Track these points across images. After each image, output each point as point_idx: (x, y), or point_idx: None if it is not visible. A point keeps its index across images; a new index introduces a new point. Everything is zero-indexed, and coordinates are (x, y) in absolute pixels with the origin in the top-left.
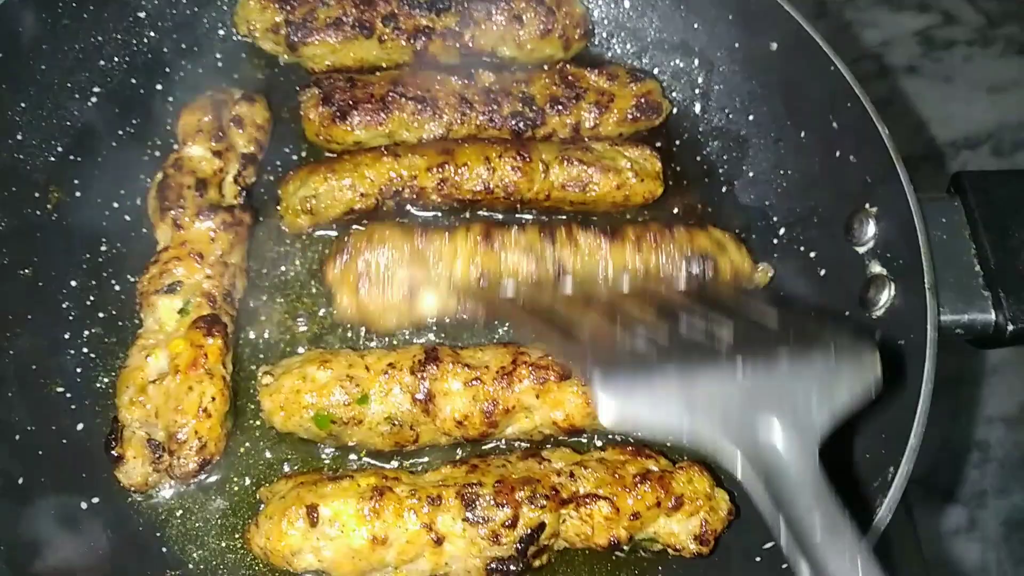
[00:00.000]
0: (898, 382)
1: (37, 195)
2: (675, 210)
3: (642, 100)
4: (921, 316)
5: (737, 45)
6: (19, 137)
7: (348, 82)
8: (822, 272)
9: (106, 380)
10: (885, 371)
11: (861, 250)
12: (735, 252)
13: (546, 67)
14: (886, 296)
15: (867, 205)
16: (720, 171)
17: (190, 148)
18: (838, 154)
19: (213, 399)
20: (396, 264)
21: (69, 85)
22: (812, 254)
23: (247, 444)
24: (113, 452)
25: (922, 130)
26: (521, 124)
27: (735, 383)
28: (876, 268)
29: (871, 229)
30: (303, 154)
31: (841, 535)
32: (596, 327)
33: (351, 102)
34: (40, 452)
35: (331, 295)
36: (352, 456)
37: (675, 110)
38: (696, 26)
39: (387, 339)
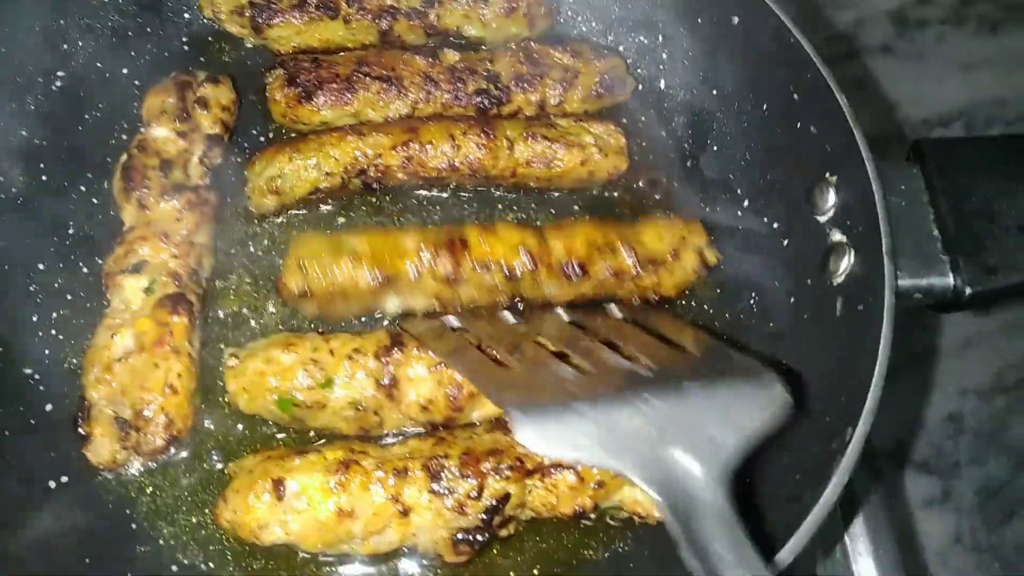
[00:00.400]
0: (859, 349)
1: (1, 179)
2: (639, 183)
3: (607, 76)
4: (880, 281)
5: (699, 20)
6: None
7: (313, 63)
8: (785, 242)
9: (74, 361)
10: (846, 337)
11: (822, 219)
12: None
13: (512, 45)
14: (846, 263)
15: (827, 174)
16: (685, 146)
17: (154, 129)
18: (799, 125)
19: (179, 376)
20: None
21: (32, 69)
22: (775, 225)
23: (216, 420)
24: (80, 430)
25: (894, 110)
26: (486, 102)
27: (647, 414)
28: (837, 236)
29: (831, 198)
30: (270, 135)
31: (745, 559)
32: (529, 358)
33: (316, 82)
34: (6, 433)
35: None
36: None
37: (640, 87)
38: (659, 2)
39: (355, 322)
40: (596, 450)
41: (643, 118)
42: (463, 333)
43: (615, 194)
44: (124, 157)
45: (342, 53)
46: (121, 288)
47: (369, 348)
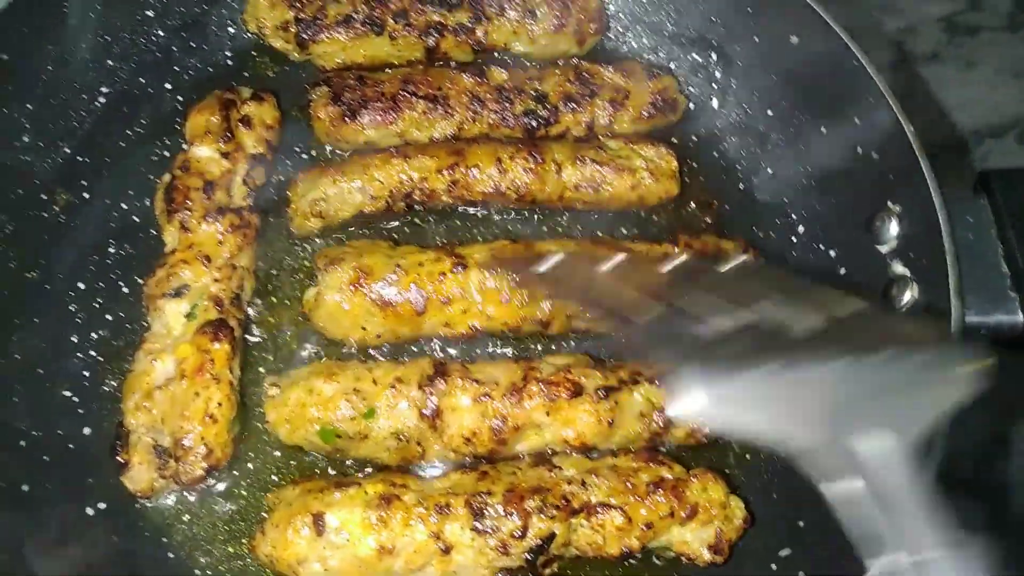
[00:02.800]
0: None
1: (44, 197)
2: (691, 205)
3: (658, 97)
4: (946, 319)
5: (756, 39)
6: (25, 139)
7: (358, 80)
8: (842, 271)
9: (114, 384)
10: None
11: (883, 249)
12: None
13: (560, 63)
14: (908, 297)
15: (889, 203)
16: (738, 168)
17: (197, 149)
18: (859, 150)
19: (219, 405)
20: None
21: (76, 85)
22: (832, 253)
23: (255, 448)
24: (119, 458)
25: (944, 119)
26: (534, 122)
27: (833, 384)
28: (899, 268)
29: (894, 228)
30: (313, 153)
31: (963, 549)
32: (655, 309)
33: (361, 101)
34: (46, 458)
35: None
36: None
37: (692, 105)
38: (713, 19)
39: (397, 350)
40: (779, 418)
41: (694, 138)
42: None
43: (663, 218)
44: (166, 177)
45: (388, 70)
46: (162, 312)
47: (412, 377)
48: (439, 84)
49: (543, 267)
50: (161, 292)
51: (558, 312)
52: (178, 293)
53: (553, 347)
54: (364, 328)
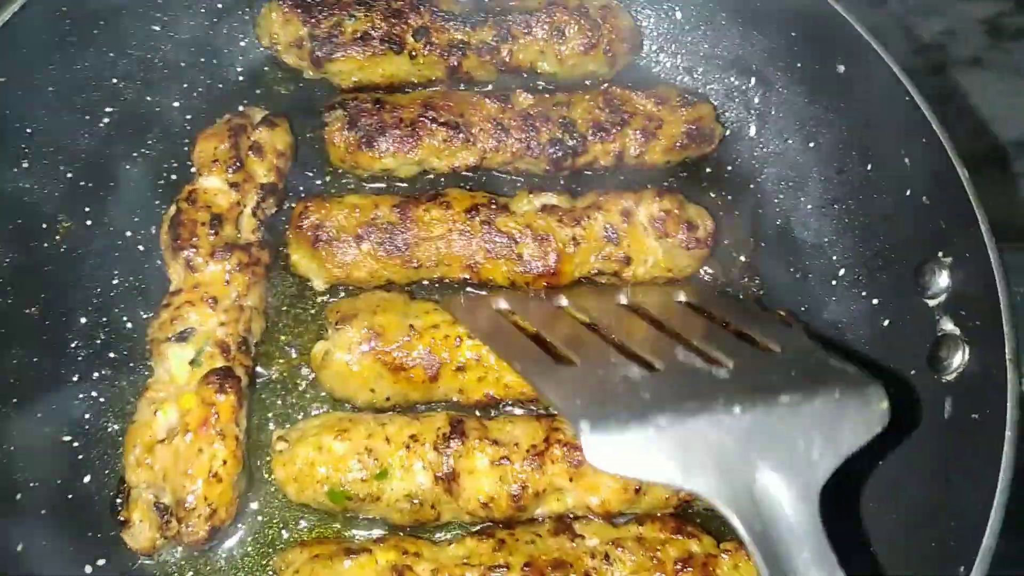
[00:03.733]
0: (973, 467)
1: (45, 226)
2: (725, 242)
3: (693, 127)
4: (1000, 389)
5: (799, 65)
6: (25, 165)
7: (376, 104)
8: (885, 322)
9: (115, 427)
10: (956, 449)
11: (932, 303)
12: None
13: (588, 84)
14: (959, 359)
15: (940, 254)
16: (775, 202)
17: (205, 179)
18: (909, 193)
19: (224, 463)
20: None
21: (79, 105)
22: (875, 301)
23: (263, 499)
24: (119, 516)
25: (985, 128)
26: (560, 152)
27: (731, 425)
28: (948, 326)
29: (944, 281)
30: (327, 179)
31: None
32: (591, 352)
33: (379, 127)
34: (43, 511)
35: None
36: (372, 519)
37: (728, 131)
38: (754, 42)
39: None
40: (674, 470)
41: (729, 167)
42: (511, 316)
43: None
44: (172, 209)
45: (407, 92)
46: (165, 358)
47: (427, 435)
48: (461, 110)
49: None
50: (165, 336)
51: None
52: (183, 337)
53: None
54: (373, 390)
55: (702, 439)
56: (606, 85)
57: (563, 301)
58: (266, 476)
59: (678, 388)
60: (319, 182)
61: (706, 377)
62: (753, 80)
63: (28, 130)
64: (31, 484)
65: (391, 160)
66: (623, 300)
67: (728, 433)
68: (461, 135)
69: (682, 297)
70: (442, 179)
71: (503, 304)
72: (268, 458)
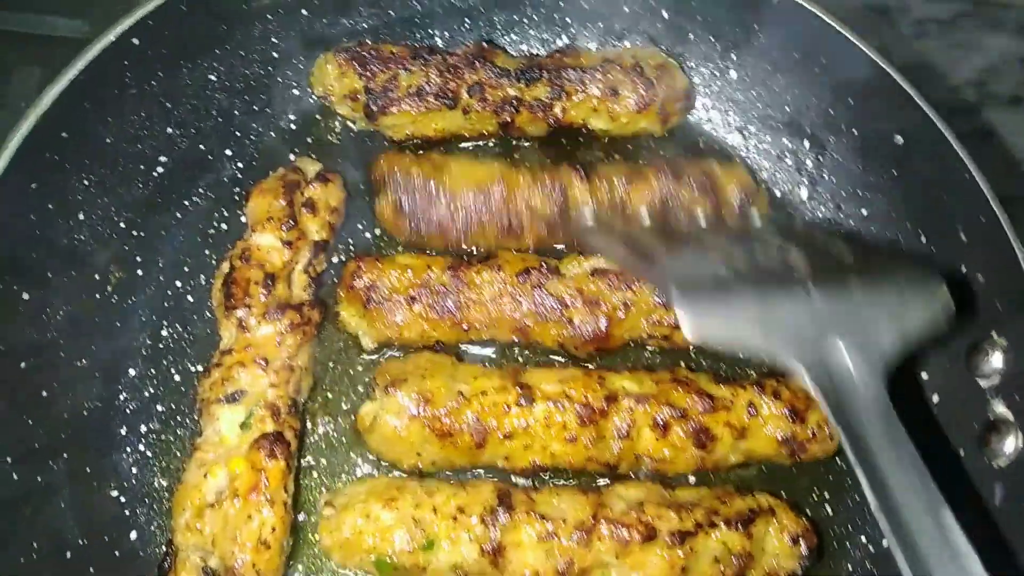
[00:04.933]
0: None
1: (97, 277)
2: None
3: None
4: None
5: (855, 131)
6: (80, 217)
7: (424, 188)
8: (935, 399)
9: (163, 482)
10: (1007, 538)
11: (984, 383)
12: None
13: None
14: (1012, 446)
15: (994, 334)
16: None
17: (259, 237)
18: (964, 269)
19: (272, 530)
20: None
21: (134, 156)
22: (924, 375)
23: (307, 561)
24: None
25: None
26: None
27: (808, 306)
28: (1000, 409)
29: (997, 362)
30: (376, 231)
31: (902, 449)
32: (674, 251)
33: (427, 218)
34: (91, 569)
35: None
36: None
37: (779, 193)
38: (810, 105)
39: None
40: (756, 334)
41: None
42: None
43: None
44: (225, 266)
45: (457, 159)
46: (216, 419)
47: (474, 507)
48: (516, 208)
49: (585, 220)
50: (216, 396)
51: (626, 453)
52: (233, 399)
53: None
54: (419, 454)
55: (782, 314)
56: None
57: (645, 219)
58: (311, 538)
59: (759, 275)
60: (367, 235)
61: (783, 267)
62: (806, 143)
63: (86, 182)
64: (80, 541)
65: (437, 241)
66: (701, 222)
67: (805, 311)
68: (513, 234)
69: (753, 220)
70: None
71: (588, 220)
72: (313, 517)
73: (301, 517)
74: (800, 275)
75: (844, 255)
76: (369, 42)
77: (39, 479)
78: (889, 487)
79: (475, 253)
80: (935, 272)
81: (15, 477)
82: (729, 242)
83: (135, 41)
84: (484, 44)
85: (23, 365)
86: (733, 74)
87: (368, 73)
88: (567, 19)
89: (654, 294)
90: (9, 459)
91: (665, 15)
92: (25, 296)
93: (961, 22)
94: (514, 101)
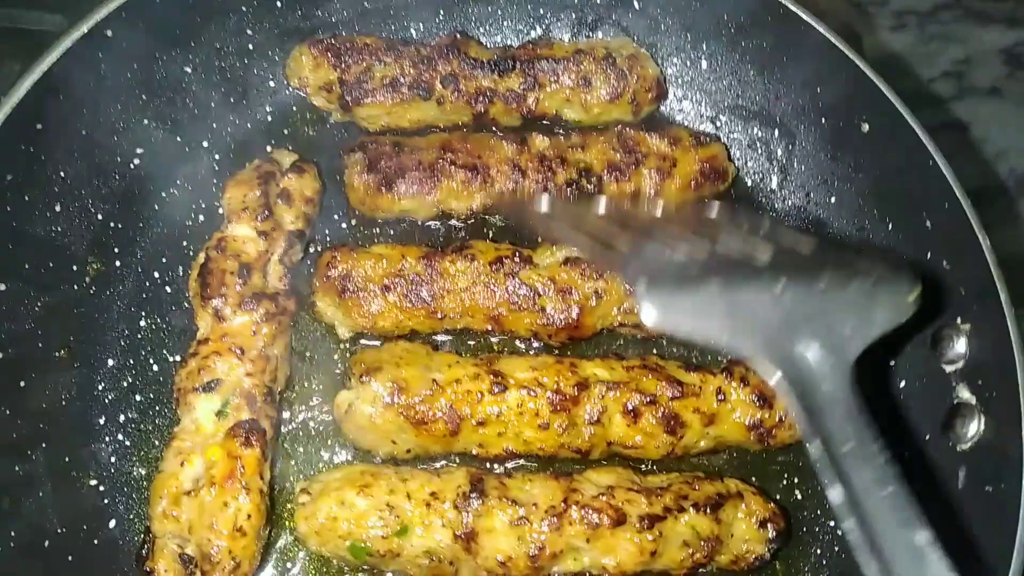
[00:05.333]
0: (985, 538)
1: (75, 268)
2: None
3: (706, 165)
4: (1016, 464)
5: (824, 120)
6: (57, 208)
7: (395, 147)
8: (901, 383)
9: (141, 471)
10: (967, 519)
11: (948, 368)
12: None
13: (602, 128)
14: (974, 429)
15: (959, 320)
16: None
17: (235, 227)
18: (929, 256)
19: (248, 517)
20: None
21: (111, 147)
22: (891, 362)
23: (281, 548)
24: (145, 567)
25: (1000, 160)
26: (576, 193)
27: (774, 301)
28: (964, 394)
29: (961, 347)
30: (352, 222)
31: (868, 449)
32: (636, 240)
33: (397, 169)
34: (70, 558)
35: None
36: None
37: (749, 182)
38: (779, 95)
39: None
40: (722, 331)
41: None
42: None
43: None
44: (201, 257)
45: (427, 136)
46: (192, 408)
47: (448, 493)
48: (479, 152)
49: (542, 208)
50: (192, 385)
51: (598, 440)
52: (209, 387)
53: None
54: (394, 442)
55: (747, 308)
56: (620, 127)
57: (602, 208)
58: (287, 524)
59: (725, 268)
60: (344, 225)
61: (748, 261)
62: (776, 132)
63: (62, 174)
64: (59, 531)
65: (409, 202)
66: (658, 213)
67: (771, 307)
68: (479, 177)
69: (714, 212)
70: (460, 220)
71: (544, 207)
72: (290, 504)
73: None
74: (766, 269)
75: (812, 250)
76: (343, 34)
77: (17, 470)
78: (852, 483)
79: (449, 242)
80: (907, 268)
81: None
82: (692, 232)
83: (108, 33)
84: (457, 35)
85: (1, 356)
86: (704, 64)
87: (342, 64)
88: (540, 10)
89: (624, 283)
90: None
91: (637, 5)
92: (3, 287)
93: (941, 14)
94: (488, 92)
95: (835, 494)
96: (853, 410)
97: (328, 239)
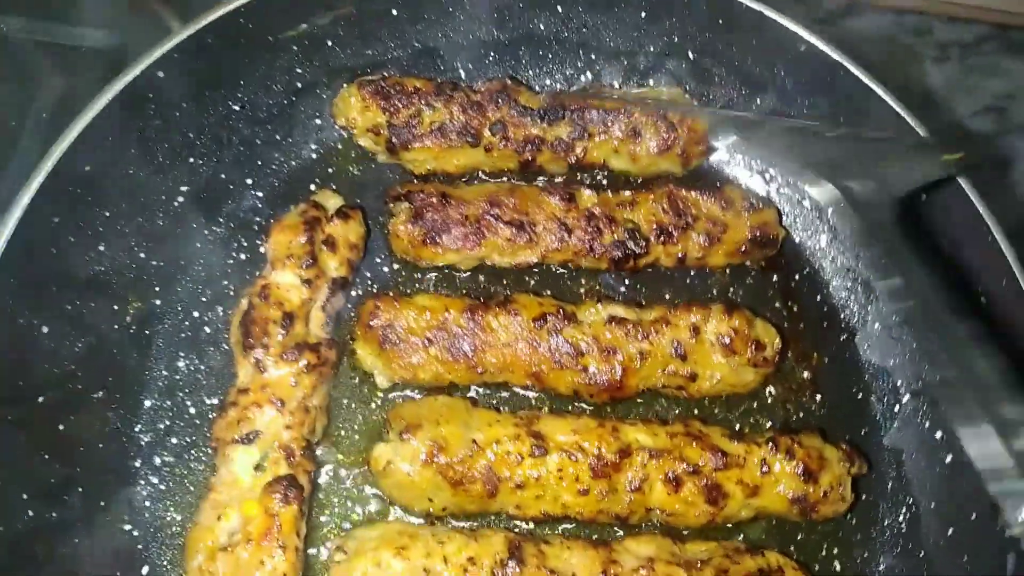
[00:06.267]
0: None
1: (116, 307)
2: (788, 354)
3: (757, 232)
4: None
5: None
6: (101, 248)
7: (441, 198)
8: (947, 458)
9: (176, 516)
10: None
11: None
12: None
13: (653, 187)
14: None
15: None
16: (841, 316)
17: (279, 275)
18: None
19: (284, 575)
20: None
21: (156, 186)
22: (938, 435)
23: None
24: None
25: None
26: (622, 254)
27: (826, 144)
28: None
29: None
30: (395, 266)
31: (900, 258)
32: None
33: (443, 223)
34: None
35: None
36: None
37: (798, 239)
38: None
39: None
40: (778, 159)
41: (797, 277)
42: None
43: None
44: (244, 304)
45: (473, 186)
46: (230, 460)
47: (485, 558)
48: (525, 209)
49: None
50: (231, 437)
51: (638, 506)
52: (248, 439)
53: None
54: (430, 500)
55: (802, 144)
56: (671, 186)
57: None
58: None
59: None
60: (385, 269)
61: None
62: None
63: (107, 213)
64: None
65: (454, 256)
66: None
67: (823, 147)
68: (525, 235)
69: None
70: (502, 274)
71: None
72: (323, 555)
73: (312, 552)
74: (820, 124)
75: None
76: (393, 74)
77: (54, 514)
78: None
79: (492, 294)
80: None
81: (30, 513)
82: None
83: (160, 74)
84: (508, 81)
85: (41, 399)
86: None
87: (391, 108)
88: (592, 56)
89: (671, 346)
90: (25, 495)
91: (691, 55)
92: (44, 329)
93: (983, 47)
94: (536, 140)
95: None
96: (896, 241)
97: (369, 280)
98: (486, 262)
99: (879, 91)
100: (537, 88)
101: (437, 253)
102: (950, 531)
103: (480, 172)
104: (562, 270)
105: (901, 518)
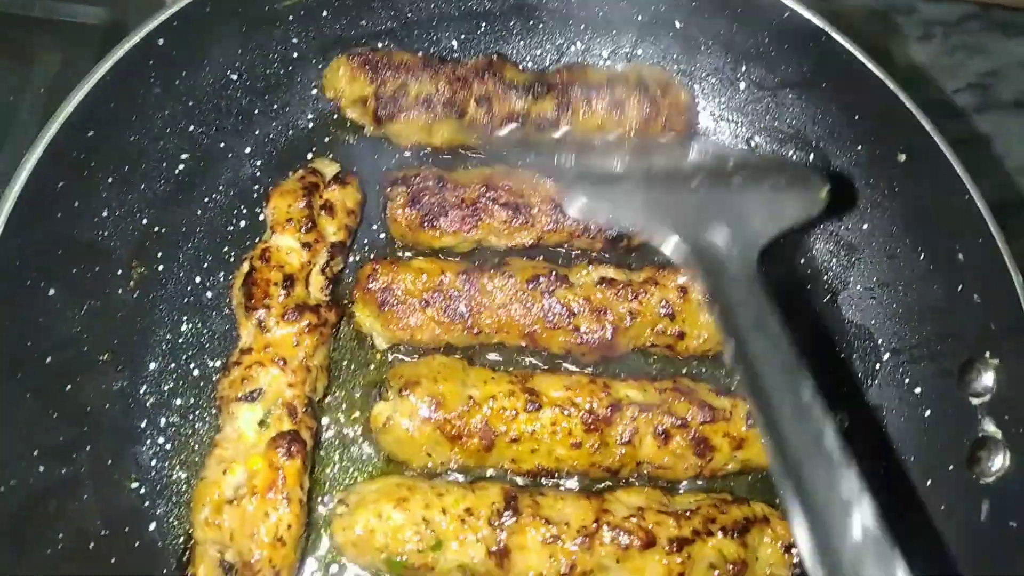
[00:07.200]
0: (1006, 573)
1: (120, 272)
2: None
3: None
4: None
5: (860, 147)
6: (104, 213)
7: (438, 182)
8: (926, 412)
9: (182, 475)
10: (989, 553)
11: (975, 401)
12: None
13: None
14: (999, 463)
15: (987, 354)
16: (824, 278)
17: (279, 238)
18: (960, 288)
19: (288, 527)
20: None
21: (157, 153)
22: (917, 390)
23: (319, 557)
24: (187, 572)
25: (1022, 173)
26: (615, 233)
27: (690, 193)
28: (990, 427)
29: (989, 381)
30: (390, 232)
31: (767, 325)
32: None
33: (440, 206)
34: (112, 560)
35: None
36: None
37: None
38: (815, 120)
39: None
40: (639, 219)
41: (781, 240)
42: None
43: None
44: (245, 267)
45: (469, 171)
46: (234, 417)
47: (482, 508)
48: (521, 191)
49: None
50: (235, 395)
51: (628, 459)
52: (251, 397)
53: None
54: (429, 455)
55: (664, 201)
56: None
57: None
58: (323, 532)
59: (645, 170)
60: (382, 235)
61: (669, 164)
62: (812, 156)
63: (110, 180)
64: (102, 533)
65: (451, 239)
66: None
67: (686, 200)
68: (521, 217)
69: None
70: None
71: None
72: (326, 512)
73: (314, 506)
74: (687, 169)
75: (735, 160)
76: (382, 47)
77: (63, 472)
78: (751, 358)
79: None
80: (818, 172)
81: (41, 470)
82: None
83: (160, 42)
84: (494, 57)
85: (49, 360)
86: (742, 85)
87: (378, 79)
88: (581, 26)
89: (660, 306)
90: (36, 452)
91: (677, 25)
92: (51, 292)
93: (967, 25)
94: (520, 115)
95: (728, 352)
96: (755, 289)
97: (366, 247)
98: (482, 244)
99: (861, 57)
100: (528, 58)
101: (435, 236)
102: (928, 482)
103: (465, 146)
104: (555, 250)
105: (882, 471)
